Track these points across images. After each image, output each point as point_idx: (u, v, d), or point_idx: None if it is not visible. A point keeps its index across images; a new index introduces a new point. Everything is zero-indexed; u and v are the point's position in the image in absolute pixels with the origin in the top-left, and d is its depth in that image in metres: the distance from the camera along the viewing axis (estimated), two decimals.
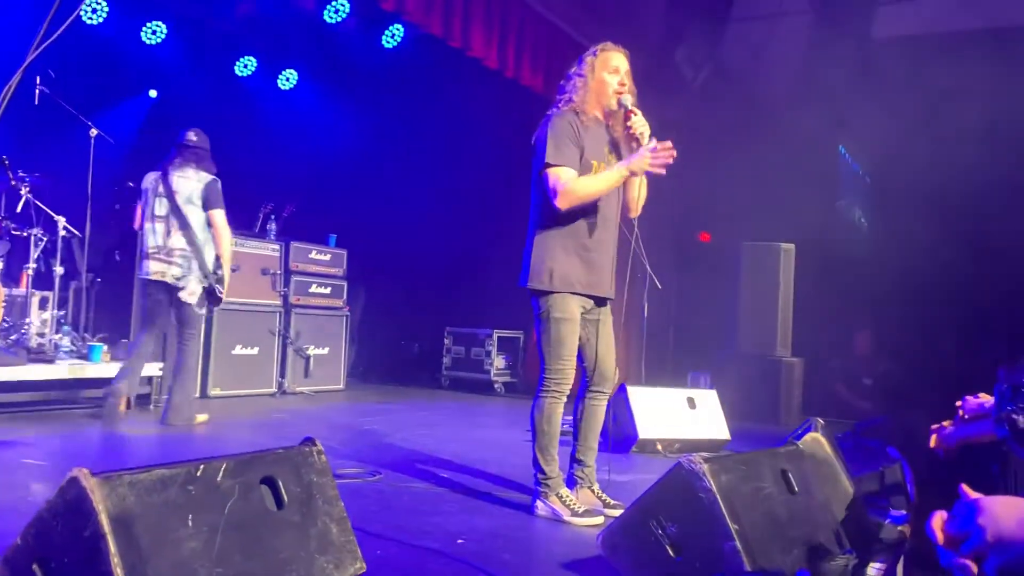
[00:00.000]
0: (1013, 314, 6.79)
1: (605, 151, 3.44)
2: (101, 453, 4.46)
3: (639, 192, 3.51)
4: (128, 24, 7.82)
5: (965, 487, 1.20)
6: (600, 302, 3.50)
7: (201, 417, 5.49)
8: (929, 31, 7.70)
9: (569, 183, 3.26)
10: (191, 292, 5.20)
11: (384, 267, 9.28)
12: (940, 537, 1.17)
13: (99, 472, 1.62)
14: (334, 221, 8.62)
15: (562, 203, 3.27)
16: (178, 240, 5.17)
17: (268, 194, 8.10)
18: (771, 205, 7.83)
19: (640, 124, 3.33)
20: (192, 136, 5.30)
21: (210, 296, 5.33)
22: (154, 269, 5.18)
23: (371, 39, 8.23)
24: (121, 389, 5.23)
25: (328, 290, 8.06)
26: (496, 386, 8.69)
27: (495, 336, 8.72)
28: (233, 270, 6.98)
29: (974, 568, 1.11)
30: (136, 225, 5.40)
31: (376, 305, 9.60)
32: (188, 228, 5.16)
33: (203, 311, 5.38)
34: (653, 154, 3.20)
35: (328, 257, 8.11)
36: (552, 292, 3.34)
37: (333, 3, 7.83)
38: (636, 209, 3.53)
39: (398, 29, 8.18)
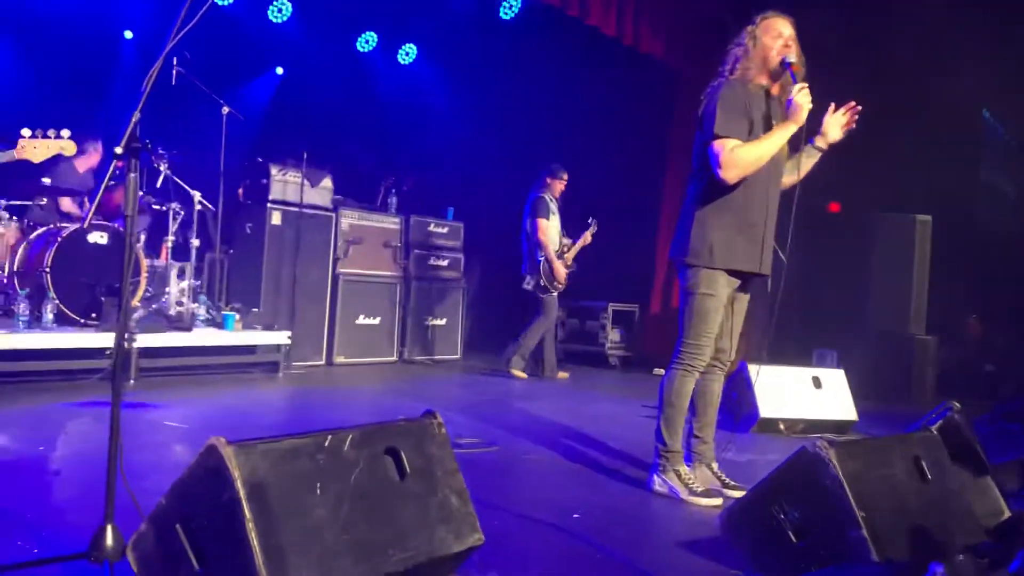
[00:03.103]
0: None
1: (773, 124, 3.28)
2: (235, 417, 4.71)
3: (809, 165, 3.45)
4: (256, 3, 8.10)
5: None
6: (744, 284, 3.40)
7: (560, 374, 7.29)
8: None
9: (735, 151, 3.14)
10: (527, 283, 6.99)
11: (499, 239, 9.33)
12: None
13: (235, 440, 1.71)
14: (451, 194, 8.73)
15: (729, 174, 3.16)
16: (525, 244, 7.05)
17: (389, 167, 8.26)
18: (906, 173, 7.39)
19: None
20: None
21: (538, 286, 6.97)
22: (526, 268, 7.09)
23: (488, 11, 8.22)
24: (512, 360, 7.03)
25: (446, 262, 8.20)
26: (611, 359, 8.65)
27: (610, 309, 8.66)
28: (356, 242, 7.25)
29: None
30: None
31: (491, 277, 9.68)
32: (525, 234, 7.05)
33: (546, 296, 6.98)
34: (803, 96, 3.13)
35: (446, 230, 8.24)
36: (704, 267, 3.25)
37: None
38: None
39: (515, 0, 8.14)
